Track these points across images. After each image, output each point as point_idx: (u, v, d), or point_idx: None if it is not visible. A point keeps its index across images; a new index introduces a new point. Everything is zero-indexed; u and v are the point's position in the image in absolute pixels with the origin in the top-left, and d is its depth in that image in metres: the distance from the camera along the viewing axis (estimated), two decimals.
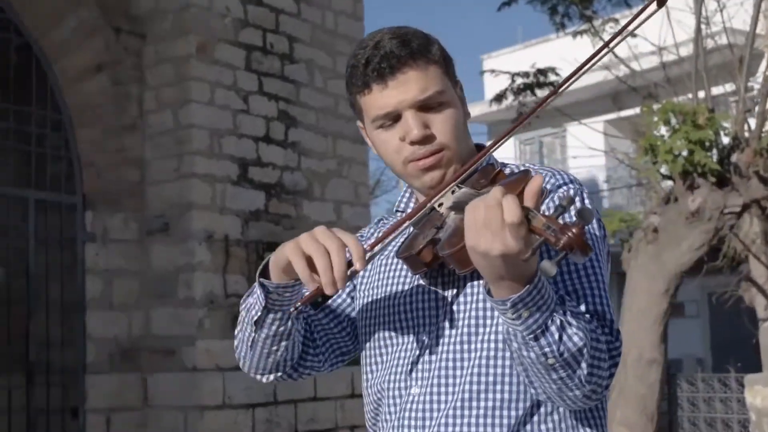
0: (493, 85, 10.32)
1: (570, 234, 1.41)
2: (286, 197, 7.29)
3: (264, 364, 1.90)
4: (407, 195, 1.98)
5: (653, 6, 1.64)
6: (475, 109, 15.35)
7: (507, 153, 20.69)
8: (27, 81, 6.41)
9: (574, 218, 1.43)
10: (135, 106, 6.88)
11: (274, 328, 1.83)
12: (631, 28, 1.68)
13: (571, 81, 1.70)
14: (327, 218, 7.54)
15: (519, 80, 9.36)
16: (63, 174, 6.55)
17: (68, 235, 6.50)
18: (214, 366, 6.58)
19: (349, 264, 1.65)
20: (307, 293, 1.75)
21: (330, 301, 2.00)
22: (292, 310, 1.77)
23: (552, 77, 9.29)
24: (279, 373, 1.94)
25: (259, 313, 1.80)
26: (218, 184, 6.82)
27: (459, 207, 1.67)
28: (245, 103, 7.09)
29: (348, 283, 1.86)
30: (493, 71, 9.91)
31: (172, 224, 6.72)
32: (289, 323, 1.83)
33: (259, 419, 6.78)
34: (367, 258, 1.66)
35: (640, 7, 1.67)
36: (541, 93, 9.45)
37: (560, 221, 1.45)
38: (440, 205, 1.74)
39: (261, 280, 1.78)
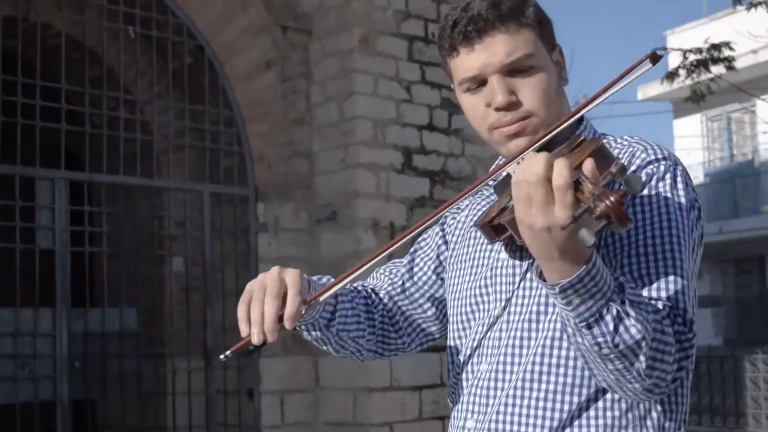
0: (676, 62, 10.06)
1: (607, 202, 1.32)
2: (451, 183, 7.42)
3: (341, 353, 1.92)
4: (499, 164, 1.86)
5: (648, 63, 1.60)
6: (659, 87, 14.94)
7: (693, 129, 20.01)
8: (200, 81, 6.80)
9: (623, 186, 1.34)
10: (302, 100, 7.17)
11: (316, 333, 1.83)
12: (627, 81, 1.63)
13: (588, 108, 1.68)
14: None
15: (692, 57, 9.10)
16: (236, 168, 6.91)
17: (242, 225, 6.85)
18: None
19: (281, 319, 1.64)
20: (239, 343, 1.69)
21: (410, 284, 1.98)
22: (222, 357, 1.71)
23: (726, 52, 8.99)
24: (362, 357, 1.96)
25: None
26: (382, 172, 7.02)
27: None
28: (408, 93, 7.26)
29: (430, 262, 1.91)
30: (665, 49, 9.67)
31: (340, 213, 6.98)
32: (315, 332, 1.83)
33: (426, 400, 6.95)
34: (303, 311, 1.66)
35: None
36: (715, 69, 9.19)
37: (604, 188, 1.36)
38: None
39: None
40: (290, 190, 7.04)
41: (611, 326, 1.47)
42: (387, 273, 2.02)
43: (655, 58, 1.59)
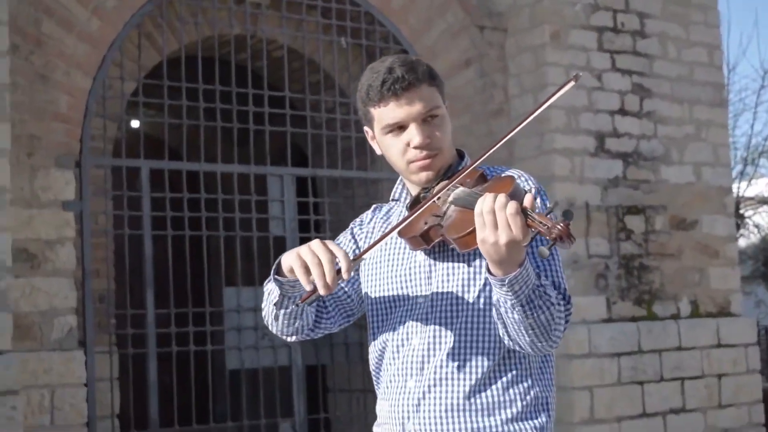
0: None
1: (560, 227, 1.90)
2: (644, 163, 7.85)
3: (286, 330, 2.38)
4: (400, 187, 2.47)
5: (572, 81, 2.17)
6: None
7: None
8: None
9: (560, 217, 1.92)
10: (500, 93, 7.81)
11: (290, 309, 2.31)
12: (553, 99, 2.26)
13: (516, 128, 2.30)
14: (686, 179, 8.02)
15: None
16: None
17: None
18: (580, 320, 7.34)
19: (338, 272, 2.08)
20: (305, 293, 2.19)
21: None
22: (296, 305, 2.27)
23: None
24: (299, 336, 2.43)
25: (276, 298, 2.30)
26: (576, 156, 7.56)
27: (461, 202, 2.17)
28: (599, 81, 7.75)
29: (341, 283, 2.36)
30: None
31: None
32: (301, 306, 2.31)
33: (624, 366, 7.44)
34: (353, 267, 2.11)
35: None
36: None
37: (551, 218, 1.94)
38: (438, 198, 2.24)
39: (274, 276, 2.26)
40: None
41: (535, 302, 2.08)
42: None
43: (577, 79, 2.16)
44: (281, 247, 6.82)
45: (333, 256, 2.09)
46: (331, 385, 7.78)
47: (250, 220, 6.79)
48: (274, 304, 2.32)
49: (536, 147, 7.60)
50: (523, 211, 1.96)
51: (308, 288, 2.11)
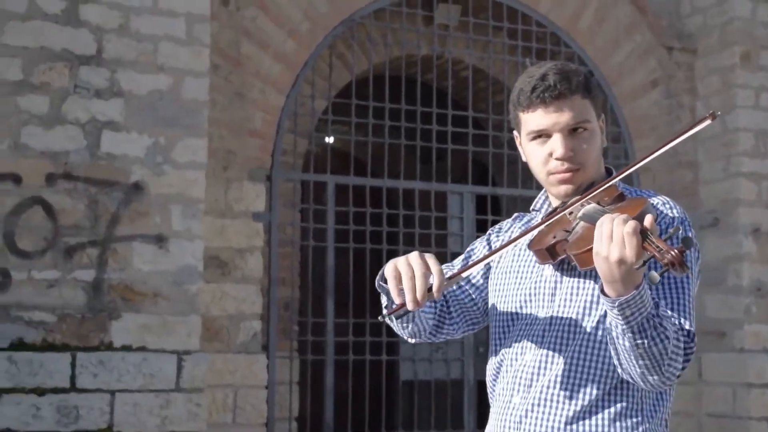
0: None
1: (673, 254, 1.82)
2: None
3: (403, 333, 2.35)
4: (543, 198, 2.42)
5: (708, 120, 2.07)
6: None
7: None
8: None
9: (679, 243, 1.88)
10: (687, 115, 7.71)
11: (407, 317, 2.27)
12: (688, 135, 2.13)
13: (645, 160, 2.15)
14: None
15: None
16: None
17: None
18: (761, 348, 7.17)
19: (430, 289, 2.03)
20: (394, 306, 2.12)
21: (465, 283, 2.43)
22: (380, 318, 2.24)
23: None
24: (419, 338, 2.39)
25: (385, 302, 2.26)
26: (764, 181, 7.39)
27: (588, 218, 2.09)
28: None
29: (431, 300, 2.23)
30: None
31: (722, 219, 7.44)
32: (391, 318, 2.24)
33: None
34: (446, 285, 2.05)
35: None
36: None
37: (667, 243, 1.86)
38: (570, 213, 2.17)
39: (379, 282, 2.24)
40: (675, 198, 7.56)
41: (648, 333, 1.97)
42: (445, 271, 2.34)
43: (714, 117, 2.06)
44: None
45: (428, 270, 2.04)
46: None
47: (429, 235, 6.99)
48: (384, 307, 2.29)
49: (722, 170, 7.47)
50: (642, 233, 1.89)
51: (397, 301, 2.07)
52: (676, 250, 1.83)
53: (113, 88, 5.33)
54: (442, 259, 6.72)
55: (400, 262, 2.08)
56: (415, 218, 6.89)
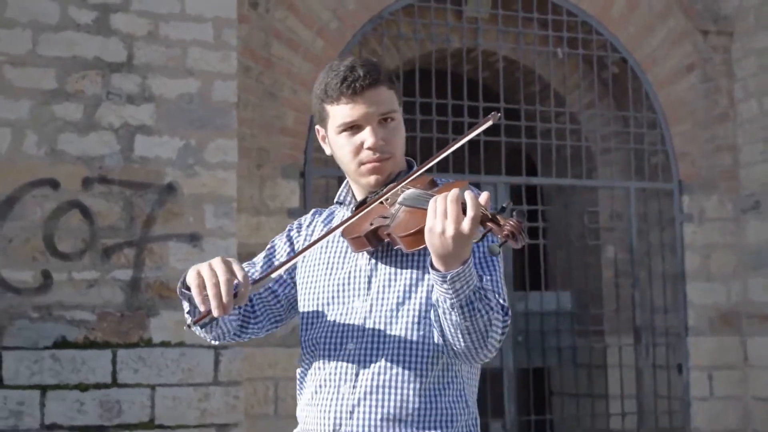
0: None
1: (512, 224, 1.88)
2: None
3: (206, 337, 2.30)
4: (346, 189, 2.40)
5: (490, 121, 2.11)
6: None
7: None
8: (625, 89, 7.59)
9: (514, 216, 1.91)
10: (725, 98, 7.68)
11: (205, 326, 2.23)
12: (471, 136, 2.15)
13: (426, 165, 2.14)
14: None
15: None
16: (659, 165, 7.60)
17: (667, 216, 7.53)
18: None
19: (236, 294, 2.02)
20: (199, 314, 2.10)
21: (271, 281, 2.39)
22: (185, 327, 2.19)
23: None
24: (223, 341, 2.35)
25: (187, 308, 2.22)
26: None
27: (411, 202, 2.12)
28: None
29: (236, 307, 2.17)
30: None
31: (763, 202, 7.40)
32: (194, 327, 2.21)
33: None
34: (251, 289, 2.08)
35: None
36: None
37: (503, 217, 1.91)
38: (387, 200, 2.19)
39: (181, 290, 2.19)
40: (714, 182, 7.58)
41: (476, 305, 2.00)
42: (250, 272, 2.39)
43: (495, 119, 2.12)
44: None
45: (232, 275, 2.02)
46: (556, 388, 7.92)
47: None
48: (187, 313, 2.24)
49: (761, 153, 7.43)
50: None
51: (202, 308, 2.04)
52: (514, 221, 1.89)
53: (144, 94, 5.52)
54: None
55: (203, 267, 2.05)
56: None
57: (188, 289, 2.13)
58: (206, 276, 2.02)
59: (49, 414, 5.17)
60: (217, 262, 2.04)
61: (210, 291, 2.00)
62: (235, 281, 2.02)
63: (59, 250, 5.31)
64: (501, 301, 2.12)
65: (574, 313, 7.43)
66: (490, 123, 2.12)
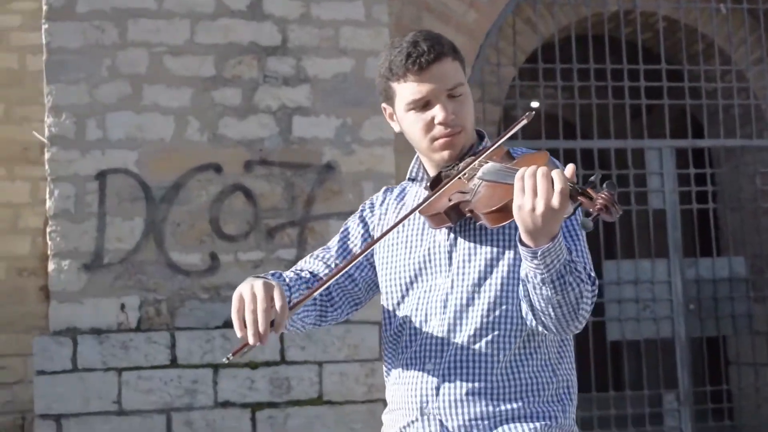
0: None
1: (604, 196, 1.82)
2: None
3: (288, 330, 2.25)
4: (417, 165, 2.35)
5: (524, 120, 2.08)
6: None
7: None
8: None
9: (604, 188, 1.84)
10: None
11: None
12: (508, 135, 2.12)
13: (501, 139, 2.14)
14: None
15: None
16: None
17: None
18: None
19: (272, 323, 2.00)
20: (237, 346, 2.06)
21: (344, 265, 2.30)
22: (224, 360, 2.13)
23: None
24: (304, 330, 2.35)
25: None
26: None
27: (492, 176, 2.07)
28: None
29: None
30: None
31: None
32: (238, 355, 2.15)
33: None
34: (289, 314, 2.03)
35: None
36: None
37: (594, 190, 1.85)
38: (464, 175, 2.15)
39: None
40: None
41: (567, 279, 1.98)
42: (320, 259, 2.39)
43: (530, 117, 2.07)
44: (661, 219, 6.85)
45: (270, 305, 2.00)
46: (733, 357, 7.64)
47: (627, 194, 6.88)
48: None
49: None
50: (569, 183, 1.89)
51: (240, 333, 2.02)
52: (606, 193, 1.82)
53: (299, 75, 5.59)
54: (644, 217, 6.58)
55: (245, 291, 2.03)
56: (612, 177, 6.79)
57: None
58: (246, 301, 2.01)
59: (222, 392, 5.32)
60: (258, 288, 2.02)
61: (248, 319, 1.99)
62: (273, 309, 2.00)
63: (225, 233, 5.45)
64: (588, 270, 2.09)
65: (748, 279, 7.12)
66: (524, 122, 2.11)
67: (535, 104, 8.54)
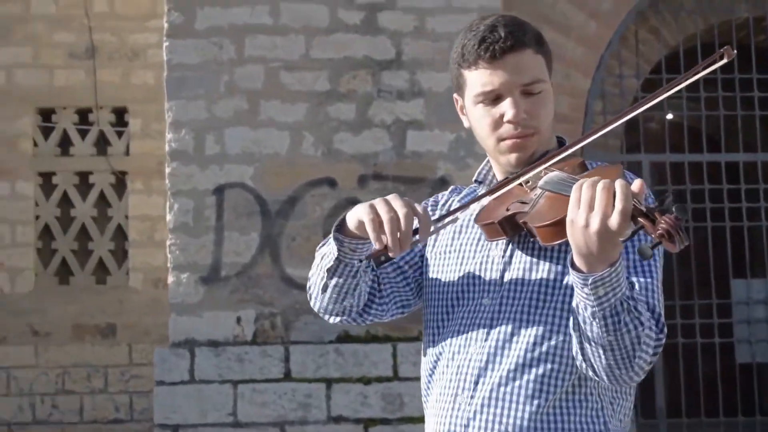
0: None
1: (667, 220, 1.54)
2: None
3: (332, 307, 2.03)
4: (487, 168, 2.08)
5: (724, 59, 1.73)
6: None
7: None
8: None
9: (673, 212, 1.54)
10: None
11: (343, 278, 1.95)
12: (699, 75, 1.78)
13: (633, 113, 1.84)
14: None
15: None
16: None
17: None
18: None
19: (415, 232, 1.77)
20: (373, 250, 1.82)
21: (398, 258, 2.04)
22: (357, 262, 1.90)
23: None
24: (345, 317, 2.06)
25: (331, 263, 1.93)
26: None
27: (554, 186, 1.81)
28: None
29: (415, 247, 1.94)
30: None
31: None
32: (358, 276, 1.96)
33: None
34: (432, 230, 1.80)
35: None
36: None
37: (659, 213, 1.56)
38: (527, 182, 1.89)
39: (335, 234, 1.90)
40: None
41: (622, 317, 1.68)
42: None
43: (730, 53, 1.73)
44: None
45: (412, 211, 1.76)
46: None
47: (758, 209, 6.60)
48: (327, 269, 1.95)
49: None
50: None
51: (377, 245, 1.77)
52: (670, 218, 1.54)
53: (414, 89, 5.56)
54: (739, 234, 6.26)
55: (377, 203, 1.79)
56: (741, 192, 6.55)
57: (341, 230, 1.90)
58: (382, 210, 1.76)
59: (335, 406, 5.32)
60: (393, 197, 1.79)
61: (387, 226, 1.74)
62: (416, 217, 1.77)
63: None
64: (655, 314, 1.80)
65: None
66: (725, 61, 1.76)
67: (669, 116, 8.30)
